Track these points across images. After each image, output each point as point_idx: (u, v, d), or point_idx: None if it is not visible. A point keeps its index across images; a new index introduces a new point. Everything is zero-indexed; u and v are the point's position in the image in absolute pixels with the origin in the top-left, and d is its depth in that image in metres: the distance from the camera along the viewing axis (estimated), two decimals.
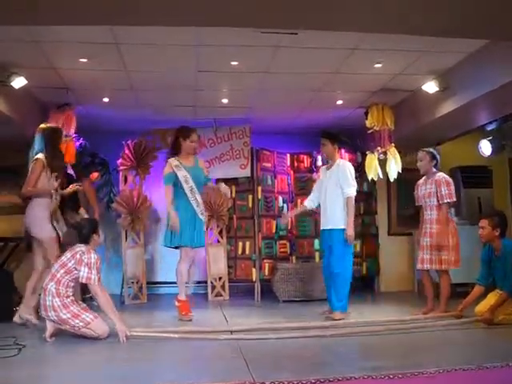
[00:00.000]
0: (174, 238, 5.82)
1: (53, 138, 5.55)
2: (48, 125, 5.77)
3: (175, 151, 5.99)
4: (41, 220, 5.34)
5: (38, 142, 5.49)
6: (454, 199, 5.94)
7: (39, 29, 4.82)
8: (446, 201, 5.86)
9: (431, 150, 6.19)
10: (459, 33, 4.64)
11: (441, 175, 6.02)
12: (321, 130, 6.40)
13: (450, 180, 5.99)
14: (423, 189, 6.07)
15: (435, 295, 5.98)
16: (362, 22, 4.43)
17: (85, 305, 4.87)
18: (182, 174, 5.85)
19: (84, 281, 4.63)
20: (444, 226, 5.79)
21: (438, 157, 6.13)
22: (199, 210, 5.90)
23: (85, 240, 4.84)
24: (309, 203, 6.26)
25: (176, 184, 5.86)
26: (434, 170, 6.09)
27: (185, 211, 5.83)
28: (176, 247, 5.95)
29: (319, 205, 6.12)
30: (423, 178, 6.20)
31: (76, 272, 4.65)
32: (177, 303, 5.91)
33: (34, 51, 5.39)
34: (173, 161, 5.89)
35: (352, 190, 5.82)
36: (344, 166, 5.92)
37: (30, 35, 5.00)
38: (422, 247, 5.97)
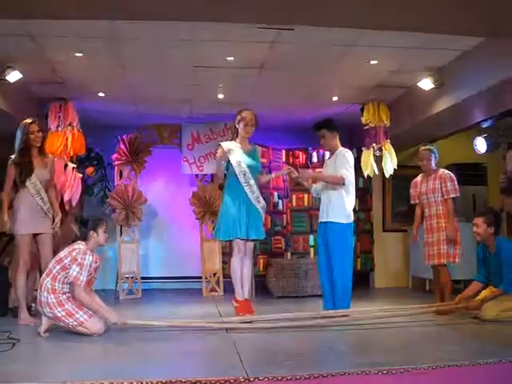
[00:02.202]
0: (227, 229, 5.35)
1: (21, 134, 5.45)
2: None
3: (233, 135, 5.62)
4: (16, 216, 5.29)
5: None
6: (458, 194, 5.96)
7: (34, 23, 4.79)
8: (451, 196, 5.88)
9: (432, 147, 6.16)
10: (454, 30, 4.65)
11: (445, 171, 6.03)
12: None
13: (454, 176, 6.01)
14: (424, 186, 6.05)
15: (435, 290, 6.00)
16: (359, 18, 4.44)
17: None
18: (234, 159, 5.43)
19: (71, 279, 4.56)
20: (452, 220, 5.80)
21: (437, 153, 6.13)
22: (254, 197, 5.47)
23: (83, 237, 4.81)
24: (313, 189, 5.91)
25: (227, 168, 5.48)
26: (435, 166, 6.09)
27: (237, 199, 5.40)
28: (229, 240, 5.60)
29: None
30: (420, 175, 6.20)
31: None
32: (234, 303, 5.43)
33: (29, 45, 5.36)
34: (226, 144, 5.51)
35: (346, 174, 5.44)
36: (343, 152, 5.60)
37: (24, 29, 4.97)
38: (430, 243, 5.94)
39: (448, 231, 5.79)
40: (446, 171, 6.04)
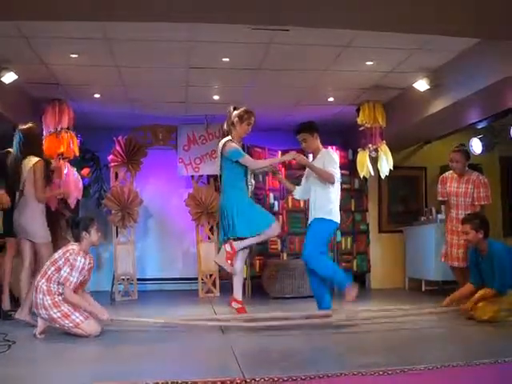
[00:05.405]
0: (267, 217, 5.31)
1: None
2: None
3: (229, 128, 5.32)
4: (41, 225, 5.34)
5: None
6: (490, 202, 5.84)
7: (29, 24, 4.80)
8: (482, 203, 5.77)
9: (465, 148, 6.08)
10: (450, 31, 4.66)
11: (479, 175, 5.89)
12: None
13: (487, 182, 5.89)
14: (454, 187, 5.91)
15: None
16: (354, 19, 4.44)
17: None
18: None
19: (61, 280, 4.54)
20: None
21: (469, 153, 6.05)
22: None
23: (76, 238, 4.79)
24: (296, 192, 5.83)
25: (239, 163, 5.23)
26: (467, 168, 5.96)
27: (247, 193, 5.38)
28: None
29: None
30: (450, 172, 6.02)
31: None
32: (237, 305, 5.38)
33: (25, 47, 5.36)
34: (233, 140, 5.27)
35: (336, 172, 5.28)
36: (330, 153, 5.45)
37: (19, 31, 4.97)
38: (455, 245, 5.86)
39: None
40: (481, 176, 5.91)
